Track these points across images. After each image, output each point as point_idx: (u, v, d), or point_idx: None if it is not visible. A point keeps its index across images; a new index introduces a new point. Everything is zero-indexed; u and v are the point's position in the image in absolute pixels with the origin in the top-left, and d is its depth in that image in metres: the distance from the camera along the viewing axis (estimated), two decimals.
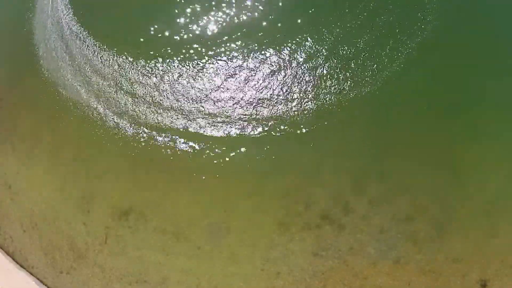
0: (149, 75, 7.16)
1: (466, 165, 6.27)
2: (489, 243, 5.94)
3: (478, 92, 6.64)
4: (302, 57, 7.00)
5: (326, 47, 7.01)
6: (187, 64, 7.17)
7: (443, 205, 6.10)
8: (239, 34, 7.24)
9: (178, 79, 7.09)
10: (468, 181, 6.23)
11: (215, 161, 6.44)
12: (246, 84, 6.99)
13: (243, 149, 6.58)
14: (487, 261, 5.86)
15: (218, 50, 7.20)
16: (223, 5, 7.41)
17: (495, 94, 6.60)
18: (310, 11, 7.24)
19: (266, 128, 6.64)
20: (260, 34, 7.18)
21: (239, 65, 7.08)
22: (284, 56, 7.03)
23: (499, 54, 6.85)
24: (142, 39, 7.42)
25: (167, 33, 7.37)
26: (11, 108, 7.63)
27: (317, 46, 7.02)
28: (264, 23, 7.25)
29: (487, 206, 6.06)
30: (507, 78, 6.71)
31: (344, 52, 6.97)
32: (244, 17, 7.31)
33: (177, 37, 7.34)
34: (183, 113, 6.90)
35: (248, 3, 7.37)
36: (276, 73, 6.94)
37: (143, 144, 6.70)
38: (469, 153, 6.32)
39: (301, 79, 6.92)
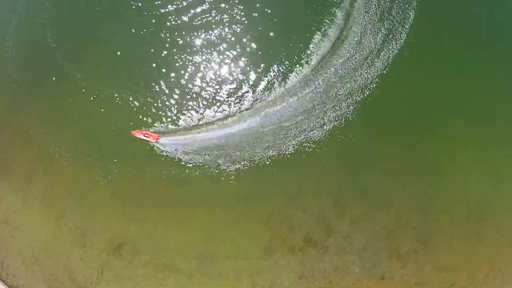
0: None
1: (444, 176, 6.42)
2: (476, 249, 6.12)
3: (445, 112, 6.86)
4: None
5: None
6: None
7: (425, 217, 6.24)
8: None
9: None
10: (448, 191, 6.38)
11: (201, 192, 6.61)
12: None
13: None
14: (475, 267, 6.02)
15: None
16: None
17: (461, 108, 6.82)
18: None
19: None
20: None
21: None
22: None
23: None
24: None
25: None
26: (6, 147, 7.68)
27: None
28: None
29: (470, 214, 6.25)
30: (472, 93, 6.96)
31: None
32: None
33: None
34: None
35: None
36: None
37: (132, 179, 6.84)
38: (446, 165, 6.46)
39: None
